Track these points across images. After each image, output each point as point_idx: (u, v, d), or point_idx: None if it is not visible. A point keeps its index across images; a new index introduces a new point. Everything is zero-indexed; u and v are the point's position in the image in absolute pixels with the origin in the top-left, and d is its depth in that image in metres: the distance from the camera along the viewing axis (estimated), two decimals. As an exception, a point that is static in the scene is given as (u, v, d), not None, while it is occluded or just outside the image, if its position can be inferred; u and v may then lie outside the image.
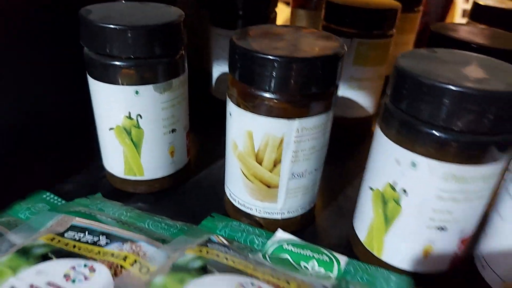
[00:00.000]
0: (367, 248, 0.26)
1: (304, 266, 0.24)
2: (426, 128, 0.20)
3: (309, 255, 0.25)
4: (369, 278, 0.24)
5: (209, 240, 0.25)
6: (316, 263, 0.24)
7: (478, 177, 0.21)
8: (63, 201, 0.30)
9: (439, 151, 0.20)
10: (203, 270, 0.20)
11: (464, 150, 0.20)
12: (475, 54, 0.23)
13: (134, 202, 0.32)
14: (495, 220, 0.24)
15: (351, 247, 0.28)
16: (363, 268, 0.24)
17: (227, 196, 0.30)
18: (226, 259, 0.22)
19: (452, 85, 0.19)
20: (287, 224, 0.28)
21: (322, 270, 0.24)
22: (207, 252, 0.22)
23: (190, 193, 0.33)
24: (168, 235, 0.26)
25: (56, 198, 0.31)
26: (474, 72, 0.20)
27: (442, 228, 0.22)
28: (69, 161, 0.36)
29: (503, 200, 0.23)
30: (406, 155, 0.21)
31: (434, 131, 0.20)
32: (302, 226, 0.29)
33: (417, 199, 0.22)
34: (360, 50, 0.36)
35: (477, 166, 0.20)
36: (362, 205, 0.26)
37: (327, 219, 0.31)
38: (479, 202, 0.22)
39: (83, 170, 0.35)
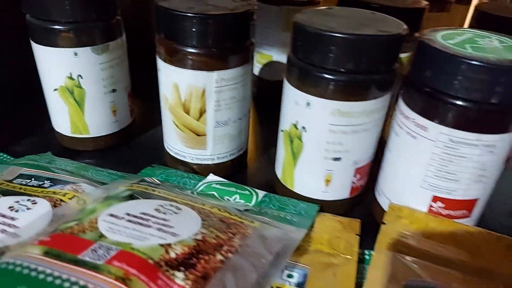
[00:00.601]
0: (283, 183, 0.30)
1: (227, 199, 0.28)
2: (317, 72, 0.24)
3: (233, 191, 0.29)
4: (281, 205, 0.28)
5: (142, 180, 0.28)
6: (238, 197, 0.28)
7: (361, 111, 0.25)
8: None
9: (327, 91, 0.24)
10: (130, 197, 0.24)
11: (348, 89, 0.24)
12: (365, 10, 0.27)
13: (82, 159, 0.35)
14: (386, 153, 0.28)
15: (274, 186, 0.32)
16: (278, 198, 0.29)
17: (165, 149, 0.33)
18: (153, 190, 0.25)
19: (333, 33, 0.23)
20: (218, 169, 0.32)
21: (242, 201, 0.28)
22: (138, 187, 0.26)
23: (135, 150, 0.36)
24: (109, 181, 0.29)
25: (8, 157, 0.34)
26: (356, 23, 0.24)
27: (337, 159, 0.26)
28: (21, 125, 0.39)
29: (390, 135, 0.27)
30: (303, 97, 0.25)
31: (323, 74, 0.24)
32: (233, 170, 0.33)
33: (314, 134, 0.26)
34: (288, 17, 0.40)
35: (360, 102, 0.24)
36: (278, 147, 0.30)
37: (258, 165, 0.35)
38: (365, 134, 0.26)
39: (36, 132, 0.38)
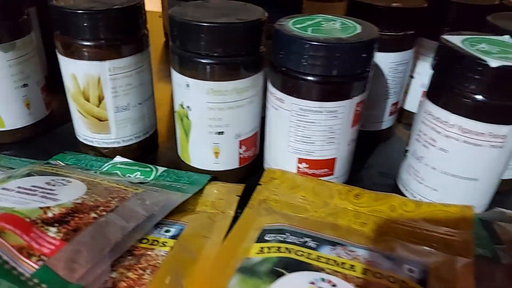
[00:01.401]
0: (182, 159, 0.33)
1: (128, 176, 0.31)
2: (190, 57, 0.28)
3: (135, 169, 0.32)
4: (177, 177, 0.31)
5: (47, 163, 0.31)
6: (139, 173, 0.32)
7: (233, 90, 0.29)
8: None
9: (200, 73, 0.28)
10: (27, 175, 0.27)
11: (217, 71, 0.28)
12: (237, 2, 0.31)
13: (1, 151, 0.37)
14: (265, 126, 0.32)
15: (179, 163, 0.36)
16: (176, 172, 0.32)
17: (76, 136, 0.36)
18: (51, 169, 0.28)
19: (194, 22, 0.26)
20: (126, 151, 0.35)
21: (142, 177, 0.31)
22: (38, 167, 0.29)
23: (52, 140, 0.39)
24: (18, 167, 0.32)
25: None
26: (221, 13, 0.28)
27: (220, 133, 0.30)
28: None
29: (266, 110, 0.31)
30: (183, 79, 0.29)
31: (195, 59, 0.28)
32: (142, 152, 0.36)
33: (197, 112, 0.29)
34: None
35: (230, 82, 0.28)
36: (176, 127, 0.33)
37: (169, 145, 0.39)
38: (241, 110, 0.30)
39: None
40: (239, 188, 0.30)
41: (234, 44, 0.27)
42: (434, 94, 0.28)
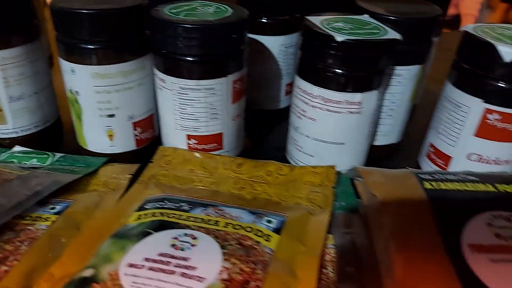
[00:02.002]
0: (80, 144, 0.34)
1: (24, 163, 0.32)
2: (74, 43, 0.29)
3: (32, 156, 0.33)
4: (73, 161, 0.33)
5: None
6: (35, 160, 0.33)
7: (117, 73, 0.30)
8: None
9: (84, 58, 0.29)
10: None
11: (99, 55, 0.29)
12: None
13: None
14: (162, 108, 0.34)
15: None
16: (73, 157, 0.33)
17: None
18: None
19: (74, 9, 0.28)
20: (26, 141, 0.36)
21: (38, 163, 0.32)
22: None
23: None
24: None
25: None
26: (97, 2, 0.29)
27: (111, 115, 0.32)
28: None
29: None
30: (68, 66, 0.30)
31: (78, 44, 0.29)
32: (44, 141, 0.37)
33: (84, 96, 0.31)
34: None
35: (113, 65, 0.30)
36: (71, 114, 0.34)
37: (73, 135, 0.39)
38: (131, 92, 0.31)
39: None
40: (133, 167, 0.32)
41: (113, 30, 0.29)
42: (301, 70, 0.31)
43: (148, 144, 0.35)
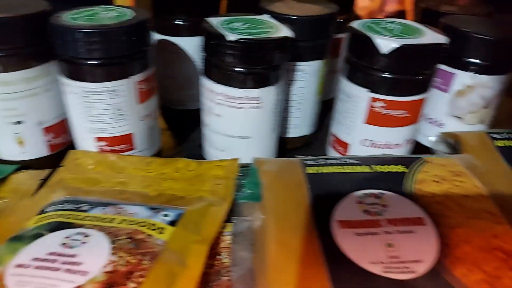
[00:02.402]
0: (-9, 153, 0.34)
1: None
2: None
3: None
4: (-18, 170, 0.32)
5: None
6: None
7: (20, 80, 0.30)
8: None
9: (-18, 66, 0.29)
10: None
11: (3, 63, 0.29)
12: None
13: None
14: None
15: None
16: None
17: None
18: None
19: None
20: None
21: None
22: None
23: None
24: None
25: None
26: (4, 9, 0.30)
27: (18, 122, 0.32)
28: None
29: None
30: (-32, 74, 0.30)
31: (-25, 53, 0.29)
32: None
33: (-12, 104, 0.31)
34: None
35: (16, 72, 0.30)
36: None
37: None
38: (36, 98, 0.32)
39: None
40: (44, 173, 0.32)
41: (15, 37, 0.29)
42: (205, 70, 0.32)
43: (63, 149, 0.35)
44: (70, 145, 0.36)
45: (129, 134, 0.33)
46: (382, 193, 0.24)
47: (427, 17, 0.41)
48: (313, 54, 0.35)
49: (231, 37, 0.28)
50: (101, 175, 0.31)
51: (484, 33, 0.32)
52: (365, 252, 0.21)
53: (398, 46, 0.28)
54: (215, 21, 0.31)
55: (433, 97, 0.36)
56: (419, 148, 0.38)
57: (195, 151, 0.40)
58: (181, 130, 0.44)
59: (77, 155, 0.32)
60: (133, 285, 0.20)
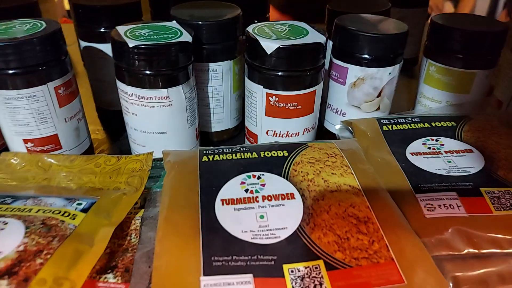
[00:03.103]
0: None
1: None
2: None
3: None
4: None
5: None
6: None
7: None
8: None
9: None
10: None
11: None
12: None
13: None
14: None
15: None
16: None
17: None
18: None
19: None
20: None
21: None
22: None
23: None
24: None
25: None
26: None
27: None
28: None
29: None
30: None
31: None
32: None
33: None
34: None
35: None
36: None
37: None
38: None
39: None
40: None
41: None
42: (117, 73, 0.35)
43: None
44: (4, 147, 0.39)
45: (55, 135, 0.36)
46: (263, 174, 0.29)
47: (330, 16, 0.45)
48: (223, 55, 0.39)
49: (131, 43, 0.32)
50: (29, 173, 0.34)
51: (369, 31, 0.37)
52: (238, 223, 0.25)
53: (276, 46, 0.32)
54: (122, 30, 0.35)
55: (334, 89, 0.41)
56: (329, 136, 0.43)
57: (126, 147, 0.43)
58: (114, 129, 0.47)
59: (8, 156, 0.35)
60: (40, 260, 0.24)
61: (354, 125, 0.38)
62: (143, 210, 0.31)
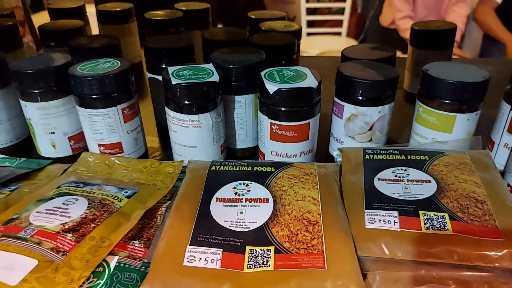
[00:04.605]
0: (38, 152, 0.53)
1: (0, 164, 0.51)
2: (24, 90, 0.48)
3: (6, 159, 0.52)
4: (30, 163, 0.51)
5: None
6: (8, 162, 0.51)
7: (52, 106, 0.48)
8: None
9: (32, 98, 0.48)
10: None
11: (41, 96, 0.48)
12: None
13: None
14: (88, 127, 0.52)
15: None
16: (31, 160, 0.52)
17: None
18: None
19: (23, 70, 0.46)
20: (6, 151, 0.54)
21: (8, 164, 0.51)
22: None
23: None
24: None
25: None
26: None
27: (52, 132, 0.50)
28: None
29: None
30: (23, 103, 0.49)
31: (28, 90, 0.48)
32: (19, 151, 0.56)
33: (34, 121, 0.49)
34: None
35: (49, 102, 0.48)
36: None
37: (38, 148, 0.58)
38: (61, 118, 0.50)
39: None
40: (66, 165, 0.50)
41: (45, 81, 0.47)
42: (165, 101, 0.48)
43: (81, 150, 0.53)
44: (85, 148, 0.54)
45: (119, 142, 0.50)
46: (251, 183, 0.39)
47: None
48: (246, 90, 0.50)
49: (174, 81, 0.44)
50: (99, 168, 0.48)
51: (361, 77, 0.45)
52: (223, 215, 0.36)
53: (275, 89, 0.42)
54: (171, 70, 0.47)
55: (334, 121, 0.50)
56: (332, 159, 0.52)
57: (172, 155, 0.56)
58: (167, 141, 0.60)
59: (87, 155, 0.50)
60: (93, 225, 0.37)
61: (343, 152, 0.46)
62: (169, 201, 0.43)
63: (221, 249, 0.33)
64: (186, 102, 0.46)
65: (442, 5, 1.84)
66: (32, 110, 0.49)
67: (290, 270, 0.31)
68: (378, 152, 0.45)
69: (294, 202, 0.37)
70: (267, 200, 0.37)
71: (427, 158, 0.43)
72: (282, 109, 0.44)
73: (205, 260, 0.32)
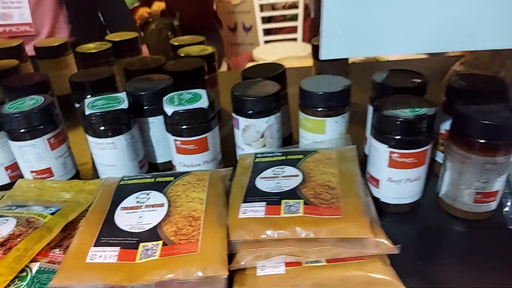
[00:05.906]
0: None
1: None
2: None
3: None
4: (-29, 193, 0.58)
5: None
6: None
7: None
8: None
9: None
10: None
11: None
12: None
13: None
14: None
15: None
16: None
17: None
18: None
19: None
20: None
21: None
22: None
23: None
24: None
25: None
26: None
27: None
28: None
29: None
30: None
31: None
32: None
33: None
34: None
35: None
36: None
37: None
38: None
39: None
40: (4, 192, 0.57)
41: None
42: (84, 128, 0.56)
43: (17, 178, 0.60)
44: (21, 175, 0.61)
45: (49, 167, 0.57)
46: (151, 192, 0.47)
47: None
48: (157, 112, 0.58)
49: (87, 112, 0.52)
50: (31, 192, 0.55)
51: (246, 95, 0.54)
52: (125, 220, 0.44)
53: (172, 111, 0.51)
54: (87, 101, 0.55)
55: (235, 133, 0.58)
56: (239, 164, 0.60)
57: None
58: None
59: (21, 181, 0.57)
60: (19, 239, 0.44)
61: (240, 157, 0.55)
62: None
63: (119, 247, 0.41)
64: (101, 128, 0.53)
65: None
66: None
67: (171, 257, 0.39)
68: (266, 155, 0.54)
69: (184, 204, 0.45)
70: (162, 205, 0.45)
71: (302, 157, 0.52)
72: (182, 127, 0.52)
73: (104, 257, 0.40)
